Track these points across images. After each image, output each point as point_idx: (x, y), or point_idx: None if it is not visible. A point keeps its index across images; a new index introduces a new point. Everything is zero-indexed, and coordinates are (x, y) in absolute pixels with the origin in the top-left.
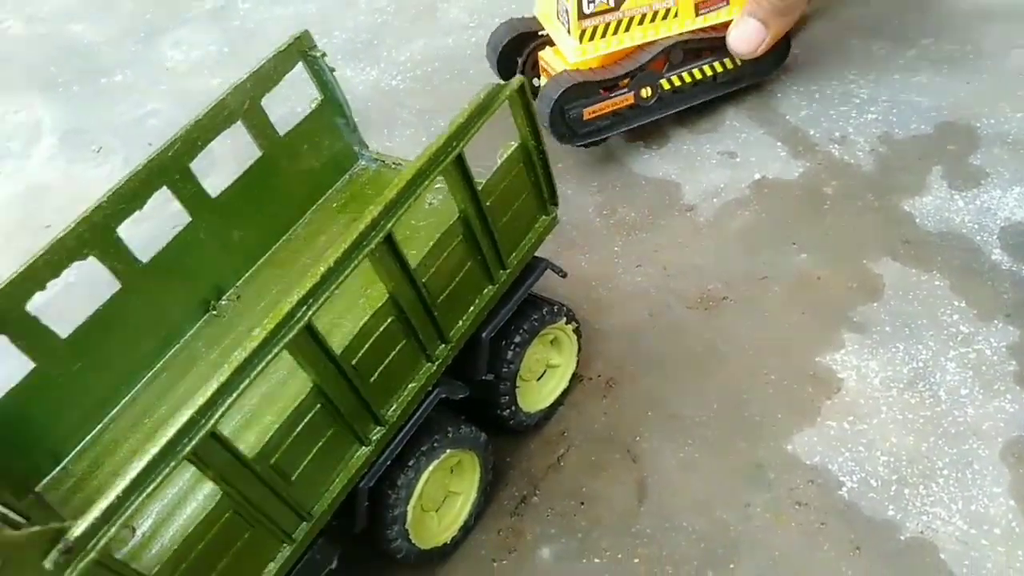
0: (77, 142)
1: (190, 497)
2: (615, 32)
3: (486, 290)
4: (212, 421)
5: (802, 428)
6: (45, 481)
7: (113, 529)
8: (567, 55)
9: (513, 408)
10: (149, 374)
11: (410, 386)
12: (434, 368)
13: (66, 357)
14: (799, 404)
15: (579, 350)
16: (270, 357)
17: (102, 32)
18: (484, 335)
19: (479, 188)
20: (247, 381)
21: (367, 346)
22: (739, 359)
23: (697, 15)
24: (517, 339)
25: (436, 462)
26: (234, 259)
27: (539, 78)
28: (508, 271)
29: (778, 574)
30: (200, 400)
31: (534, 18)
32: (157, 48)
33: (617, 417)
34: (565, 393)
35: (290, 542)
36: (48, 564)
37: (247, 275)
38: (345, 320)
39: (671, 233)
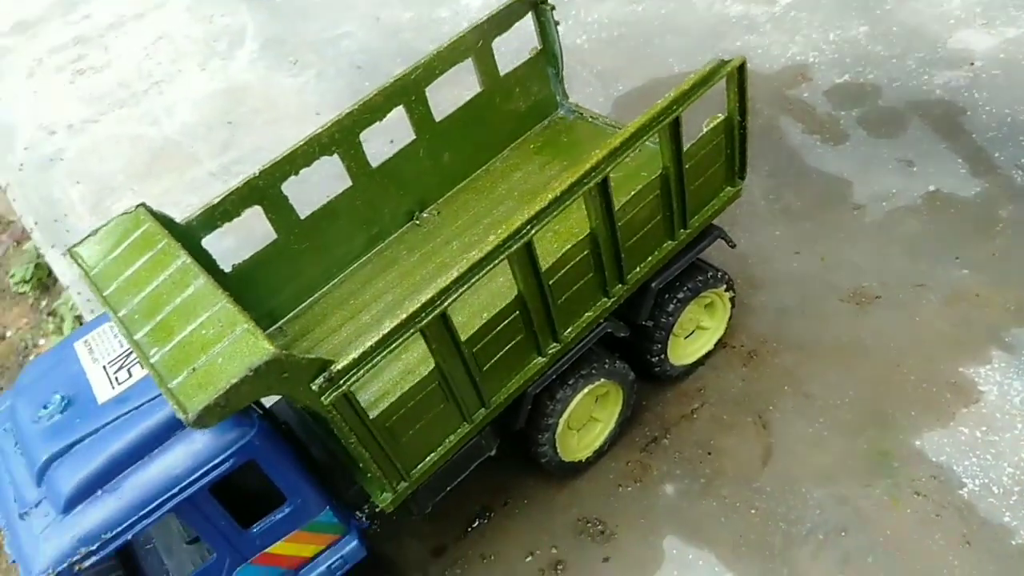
0: (276, 52)
1: (410, 369)
2: None
3: (666, 244)
4: (445, 304)
5: (933, 428)
6: (281, 340)
7: (360, 372)
8: None
9: (662, 356)
10: (356, 264)
11: (587, 314)
12: (609, 303)
13: (300, 236)
14: (935, 406)
15: (730, 318)
16: (497, 261)
17: None
18: (654, 284)
19: (684, 151)
20: (476, 277)
21: (564, 271)
22: (882, 356)
23: None
24: (680, 295)
25: (590, 386)
26: (441, 179)
27: None
28: (688, 231)
29: (886, 550)
30: (440, 285)
31: None
32: None
33: (754, 386)
34: (708, 355)
35: (469, 422)
36: (315, 386)
37: (449, 194)
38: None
39: (834, 228)
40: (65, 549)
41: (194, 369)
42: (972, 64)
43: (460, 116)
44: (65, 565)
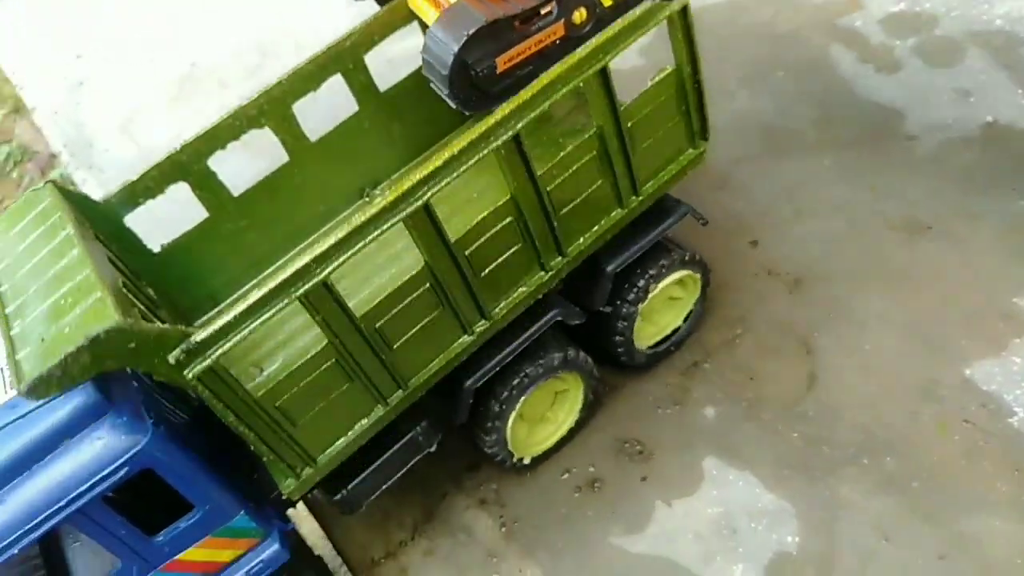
0: None
1: (303, 344)
2: None
3: (614, 213)
4: (326, 272)
5: (984, 358)
6: (202, 320)
7: (228, 344)
8: None
9: (628, 345)
10: (307, 241)
11: (520, 290)
12: (547, 278)
13: (234, 213)
14: (987, 336)
15: (703, 298)
16: (387, 226)
17: None
18: (609, 268)
19: (621, 108)
20: (362, 243)
21: (482, 240)
22: (933, 285)
23: None
24: (641, 281)
25: (542, 383)
26: (391, 154)
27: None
28: (641, 198)
29: (932, 475)
30: (317, 251)
31: None
32: None
33: (799, 312)
34: (679, 332)
35: (384, 405)
36: (171, 359)
37: (403, 171)
38: (462, 216)
39: (886, 158)
40: None
41: (43, 339)
42: None
43: (408, 86)
44: None
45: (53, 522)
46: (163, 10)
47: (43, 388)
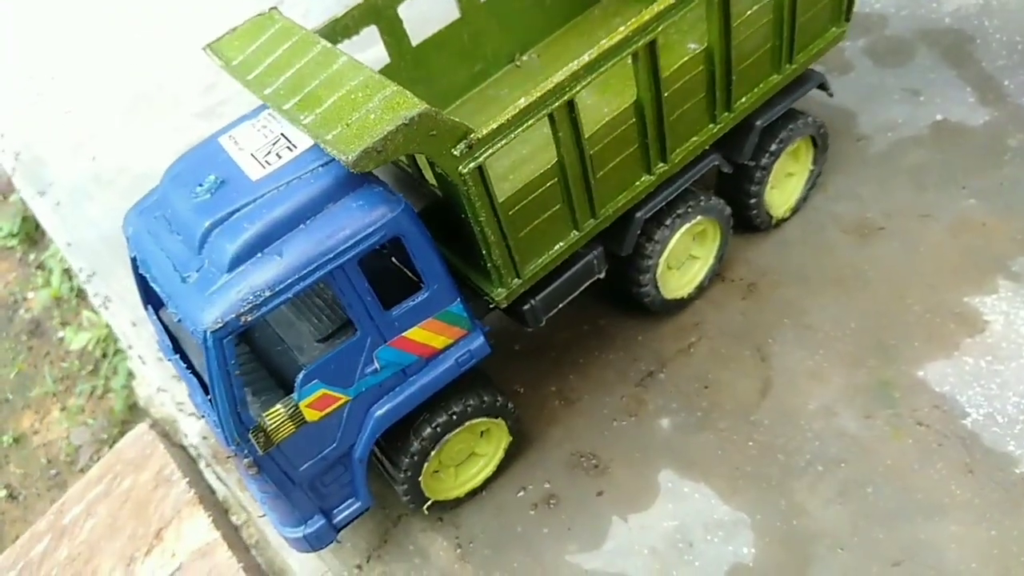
0: None
1: (535, 160)
2: None
3: (772, 77)
4: (574, 90)
5: (936, 358)
6: None
7: (495, 148)
8: None
9: (760, 200)
10: (458, 102)
11: (694, 138)
12: (716, 129)
13: (410, 63)
14: (938, 336)
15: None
16: (623, 54)
17: None
18: (759, 123)
19: None
20: (604, 67)
21: (679, 84)
22: (885, 286)
23: None
24: (782, 135)
25: (688, 224)
26: (543, 21)
27: None
28: (794, 67)
29: (887, 480)
30: (570, 69)
31: None
32: None
33: (753, 318)
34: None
35: (579, 230)
36: (456, 151)
37: (550, 38)
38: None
39: (838, 159)
40: (233, 302)
41: (348, 124)
42: None
43: None
44: (233, 316)
45: (321, 273)
46: (115, 29)
47: (365, 161)
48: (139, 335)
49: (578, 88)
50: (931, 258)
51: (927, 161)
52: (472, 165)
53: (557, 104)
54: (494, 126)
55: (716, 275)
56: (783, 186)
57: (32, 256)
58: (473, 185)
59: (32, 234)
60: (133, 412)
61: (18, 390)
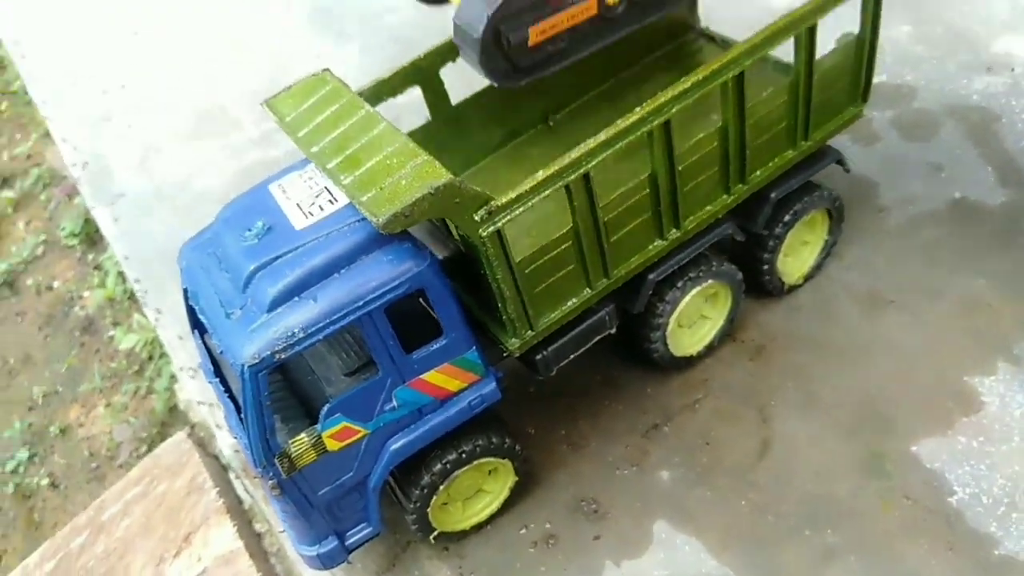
0: (323, 20)
1: (555, 220)
2: None
3: (787, 152)
4: (589, 164)
5: (931, 435)
6: None
7: (513, 214)
8: None
9: (772, 267)
10: (491, 157)
11: (708, 207)
12: (729, 200)
13: (447, 121)
14: (935, 414)
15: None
16: (638, 133)
17: None
18: (773, 195)
19: (815, 62)
20: (618, 144)
21: (694, 158)
22: (889, 360)
23: None
24: (797, 206)
25: (699, 287)
26: (575, 84)
27: None
28: (809, 143)
29: (871, 550)
30: (586, 147)
31: None
32: None
33: (759, 380)
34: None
35: (591, 288)
36: (477, 216)
37: (582, 100)
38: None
39: (856, 229)
40: (270, 340)
41: (381, 188)
42: (1013, 71)
43: None
44: (268, 352)
45: (351, 318)
46: (187, 53)
47: (394, 224)
48: (184, 347)
49: (593, 163)
50: (936, 335)
51: (942, 238)
52: (491, 229)
53: (573, 177)
54: (512, 195)
55: (727, 335)
56: (797, 254)
57: (91, 256)
58: (492, 247)
59: (92, 235)
60: (173, 414)
61: (68, 383)
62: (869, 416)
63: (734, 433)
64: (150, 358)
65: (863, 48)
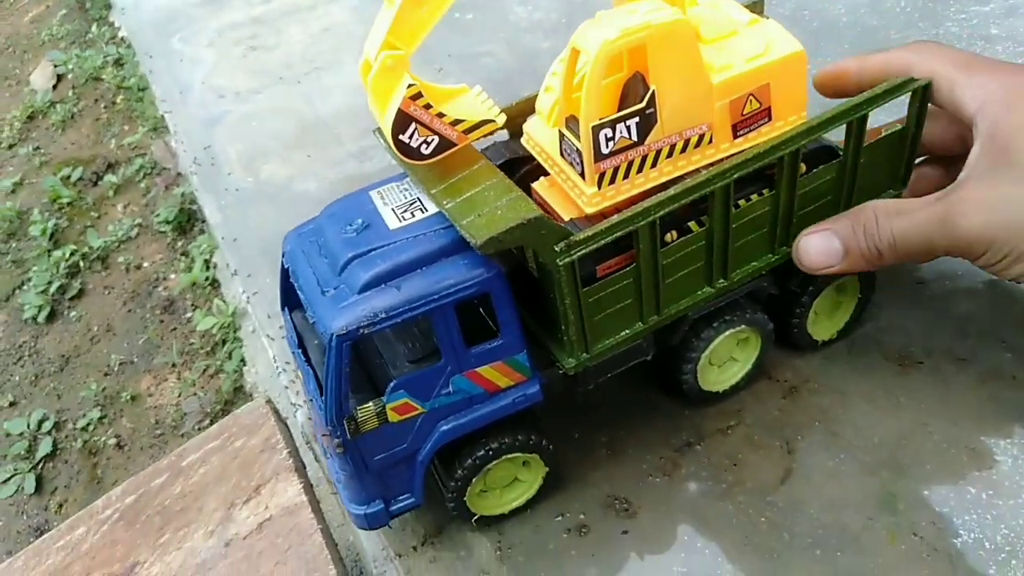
0: (423, 58)
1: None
2: (639, 170)
3: None
4: (659, 214)
5: (943, 483)
6: None
7: (587, 249)
8: (581, 202)
9: (802, 321)
10: None
11: (753, 263)
12: (773, 260)
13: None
14: (950, 464)
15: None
16: (702, 192)
17: None
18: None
19: (863, 145)
20: (686, 200)
21: (745, 219)
22: (912, 413)
23: (735, 136)
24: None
25: (732, 331)
26: None
27: None
28: None
29: (874, 575)
30: (658, 199)
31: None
32: (507, 1)
33: (789, 417)
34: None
35: (643, 322)
36: (557, 248)
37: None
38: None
39: (894, 296)
40: (357, 316)
41: (480, 215)
42: None
43: None
44: (355, 327)
45: (425, 308)
46: (294, 70)
47: (489, 245)
48: (272, 326)
49: (661, 212)
50: (960, 397)
51: (975, 312)
52: (567, 260)
53: (642, 223)
54: (590, 233)
55: (754, 379)
56: (829, 313)
57: (180, 243)
58: (566, 275)
59: (184, 225)
60: (238, 394)
61: (143, 356)
62: (887, 460)
63: (760, 459)
64: (224, 341)
65: (906, 140)
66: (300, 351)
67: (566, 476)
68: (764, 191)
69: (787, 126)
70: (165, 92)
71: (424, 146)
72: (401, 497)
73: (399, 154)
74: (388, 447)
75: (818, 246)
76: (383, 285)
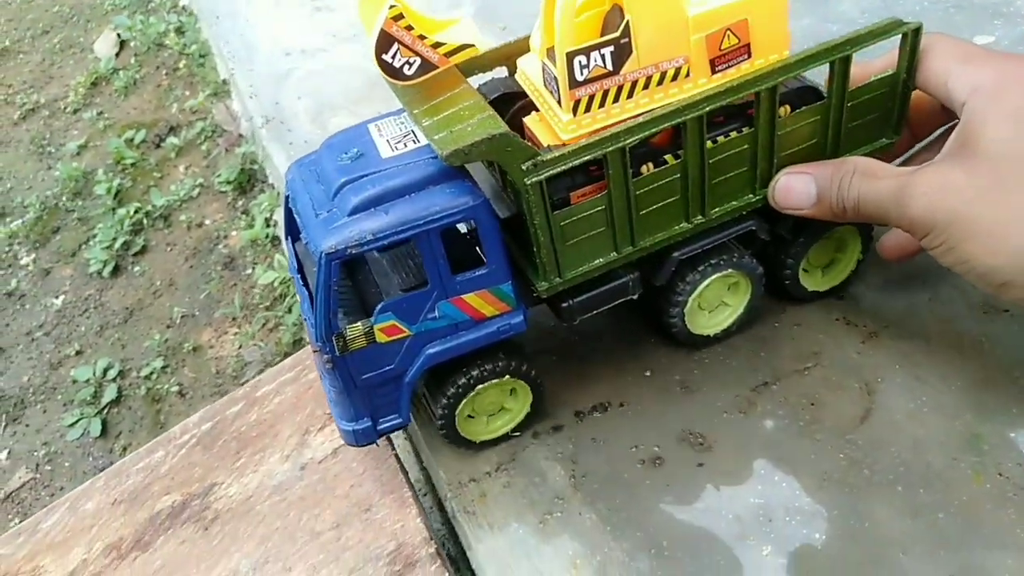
0: (488, 17)
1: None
2: (615, 99)
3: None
4: (629, 141)
5: None
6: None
7: (555, 170)
8: (558, 129)
9: (794, 272)
10: None
11: (733, 202)
12: (754, 199)
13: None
14: None
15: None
16: (674, 122)
17: None
18: None
19: (848, 88)
20: (657, 128)
21: (724, 155)
22: (998, 359)
23: (713, 72)
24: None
25: (719, 274)
26: None
27: None
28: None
29: (959, 512)
30: (625, 126)
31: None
32: None
33: (868, 359)
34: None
35: (617, 252)
36: (524, 167)
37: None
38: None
39: None
40: (346, 237)
41: (451, 131)
42: None
43: None
44: (343, 246)
45: (411, 232)
46: (358, 28)
47: (455, 158)
48: None
49: (631, 139)
50: None
51: None
52: (535, 179)
53: (611, 149)
54: (556, 155)
55: (839, 319)
56: (824, 268)
57: (240, 203)
58: (533, 195)
59: (244, 184)
60: (297, 346)
61: (204, 309)
62: (971, 403)
63: (838, 399)
64: (283, 296)
65: (896, 87)
66: (299, 276)
67: (641, 410)
68: (744, 129)
69: (768, 64)
70: (232, 51)
71: (407, 67)
72: (389, 417)
73: (383, 73)
74: (376, 366)
75: (794, 186)
76: (372, 209)
